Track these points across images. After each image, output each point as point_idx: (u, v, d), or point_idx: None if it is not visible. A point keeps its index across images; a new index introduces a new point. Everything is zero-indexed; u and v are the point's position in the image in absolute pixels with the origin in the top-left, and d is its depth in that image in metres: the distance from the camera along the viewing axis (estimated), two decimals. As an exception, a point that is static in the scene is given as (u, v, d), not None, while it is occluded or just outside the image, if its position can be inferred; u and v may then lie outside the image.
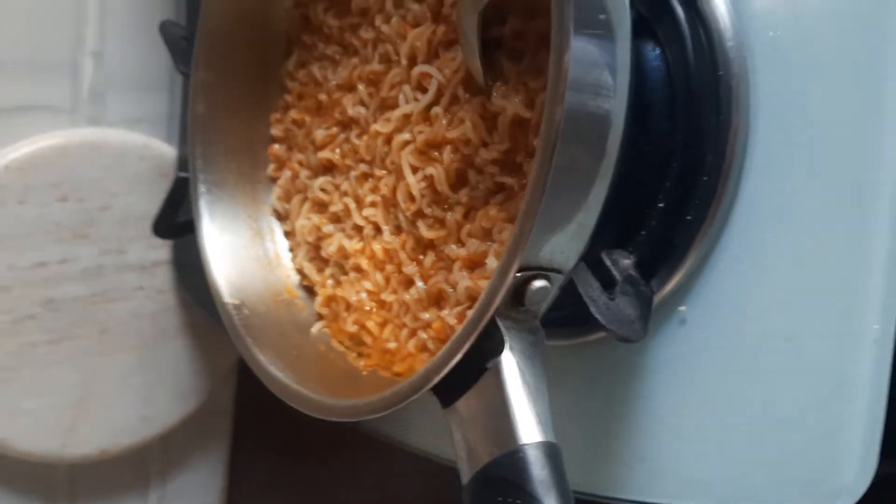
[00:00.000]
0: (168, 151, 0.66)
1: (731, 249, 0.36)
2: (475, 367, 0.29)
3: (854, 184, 0.33)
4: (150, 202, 0.58)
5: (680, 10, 0.37)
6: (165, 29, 0.55)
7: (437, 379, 0.30)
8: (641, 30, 0.38)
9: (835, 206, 0.33)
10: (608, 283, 0.37)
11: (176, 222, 0.52)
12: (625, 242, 0.39)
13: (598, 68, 0.28)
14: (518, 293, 0.29)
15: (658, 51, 0.38)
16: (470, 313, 0.29)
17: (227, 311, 0.40)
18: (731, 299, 0.36)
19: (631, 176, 0.38)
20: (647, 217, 0.38)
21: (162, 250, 0.64)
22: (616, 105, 0.29)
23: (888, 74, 0.32)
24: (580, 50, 0.27)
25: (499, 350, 0.29)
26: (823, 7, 0.33)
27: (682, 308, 0.37)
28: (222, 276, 0.42)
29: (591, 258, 0.37)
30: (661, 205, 0.37)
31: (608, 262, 0.37)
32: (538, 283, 0.29)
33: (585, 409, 0.41)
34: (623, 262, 0.38)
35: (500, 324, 0.29)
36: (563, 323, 0.40)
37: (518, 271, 0.28)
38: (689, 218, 0.37)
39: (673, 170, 0.37)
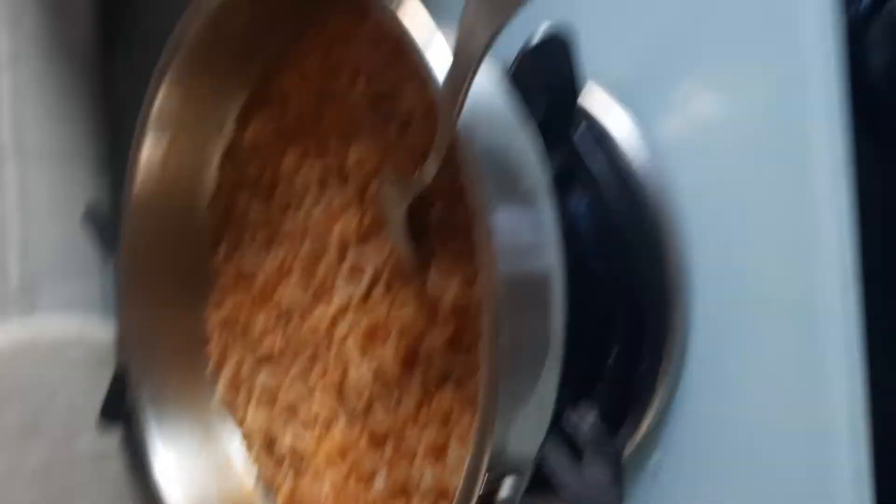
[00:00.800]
0: (105, 334, 0.64)
1: (692, 391, 0.35)
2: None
3: (802, 315, 0.33)
4: (94, 390, 0.55)
5: (599, 160, 0.37)
6: (89, 217, 0.54)
7: None
8: (566, 182, 0.39)
9: (786, 338, 0.33)
10: (575, 444, 0.36)
11: (123, 412, 0.50)
12: (586, 395, 0.38)
13: (527, 234, 0.28)
14: (487, 496, 0.28)
15: (585, 201, 0.38)
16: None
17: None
18: (700, 443, 0.35)
19: (581, 328, 0.38)
20: (604, 366, 0.37)
21: (111, 439, 0.61)
22: (552, 262, 0.29)
23: (810, 200, 0.33)
24: (505, 223, 0.27)
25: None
26: (737, 145, 0.34)
27: (653, 458, 0.36)
28: (174, 492, 0.39)
29: (554, 419, 0.36)
30: (615, 352, 0.37)
31: (571, 422, 0.37)
32: (507, 482, 0.28)
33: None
34: (587, 419, 0.37)
35: (473, 532, 0.27)
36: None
37: (486, 472, 0.27)
38: (644, 365, 0.36)
39: (619, 316, 0.37)
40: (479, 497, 0.27)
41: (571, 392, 0.38)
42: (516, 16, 0.24)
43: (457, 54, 0.25)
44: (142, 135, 0.40)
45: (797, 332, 0.32)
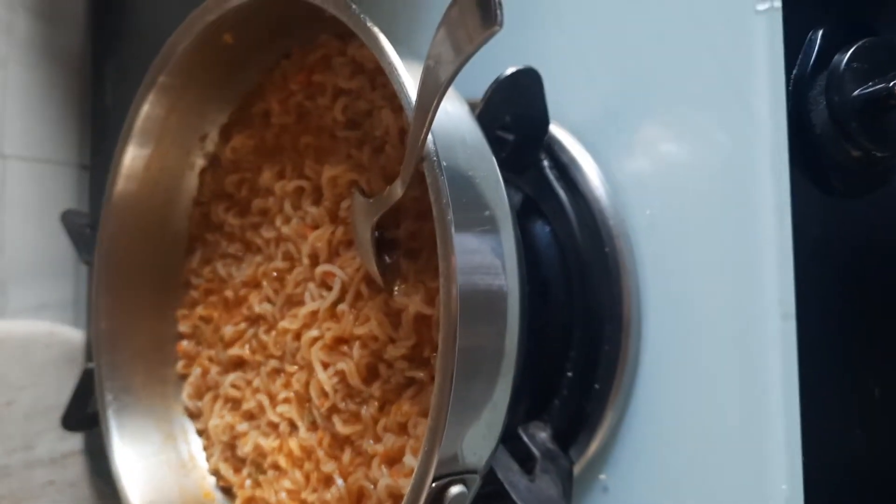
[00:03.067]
0: (75, 336, 0.64)
1: (641, 414, 0.37)
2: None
3: (744, 345, 0.34)
4: (59, 391, 0.56)
5: (562, 192, 0.39)
6: (67, 219, 0.55)
7: None
8: (530, 209, 0.41)
9: (730, 368, 0.35)
10: (524, 457, 0.37)
11: (87, 414, 0.51)
12: (539, 413, 0.39)
13: (487, 253, 0.29)
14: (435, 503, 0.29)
15: (547, 228, 0.40)
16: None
17: (141, 529, 0.39)
18: (648, 464, 0.37)
19: (538, 349, 0.39)
20: (558, 387, 0.39)
21: (73, 440, 0.62)
22: (510, 282, 0.30)
23: (758, 246, 0.35)
24: (466, 242, 0.28)
25: (422, 562, 0.29)
26: (690, 185, 0.36)
27: (602, 476, 0.38)
28: (135, 490, 0.40)
29: (507, 434, 0.38)
30: (569, 374, 0.39)
31: (525, 438, 0.38)
32: (455, 490, 0.29)
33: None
34: (540, 436, 0.39)
35: (421, 536, 0.29)
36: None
37: (433, 480, 0.28)
38: (596, 386, 0.38)
39: (576, 340, 0.39)
40: (428, 501, 0.29)
41: (527, 410, 0.39)
42: (481, 47, 0.25)
43: (424, 82, 0.27)
44: (126, 141, 0.41)
45: (740, 359, 0.34)
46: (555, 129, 0.40)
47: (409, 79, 0.29)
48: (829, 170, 0.35)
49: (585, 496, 0.38)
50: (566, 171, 0.39)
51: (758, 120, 0.34)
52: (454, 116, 0.32)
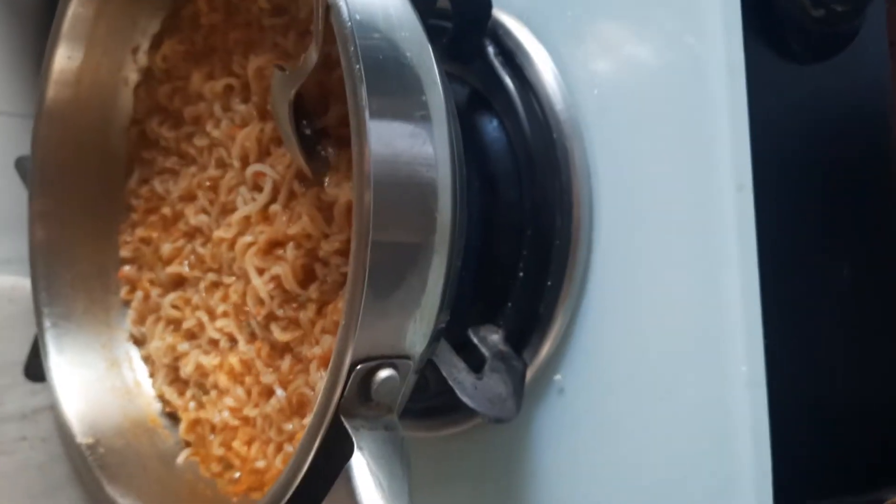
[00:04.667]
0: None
1: (595, 310, 0.35)
2: (328, 474, 0.27)
3: (700, 225, 0.32)
4: (23, 346, 0.54)
5: (509, 81, 0.37)
6: (22, 165, 0.53)
7: (289, 493, 0.27)
8: (478, 104, 0.38)
9: (685, 252, 0.32)
10: (478, 363, 0.35)
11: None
12: (492, 317, 0.37)
13: (411, 142, 0.27)
14: (363, 387, 0.27)
15: (496, 122, 0.38)
16: (309, 417, 0.27)
17: (79, 453, 0.37)
18: (603, 362, 0.35)
19: (488, 248, 0.37)
20: (510, 288, 0.37)
21: (42, 395, 0.60)
22: (440, 174, 0.28)
23: (711, 116, 0.32)
24: (384, 126, 0.26)
25: (349, 453, 0.27)
26: (641, 56, 0.34)
27: (557, 377, 0.36)
28: (74, 413, 0.39)
29: (457, 338, 0.36)
30: (521, 274, 0.37)
31: (475, 340, 0.36)
32: (384, 374, 0.27)
33: (483, 492, 0.39)
34: (492, 338, 0.36)
35: (347, 424, 0.27)
36: (436, 412, 0.38)
37: (356, 363, 0.26)
38: (549, 284, 0.36)
39: (527, 238, 0.36)
40: (355, 386, 0.27)
41: (480, 314, 0.37)
42: None
43: None
44: (54, 44, 0.39)
45: (695, 239, 0.32)
46: (499, 14, 0.37)
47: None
48: (787, 32, 0.32)
49: (541, 399, 0.36)
50: (512, 57, 0.37)
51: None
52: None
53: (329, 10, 0.26)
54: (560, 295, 0.35)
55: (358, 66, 0.26)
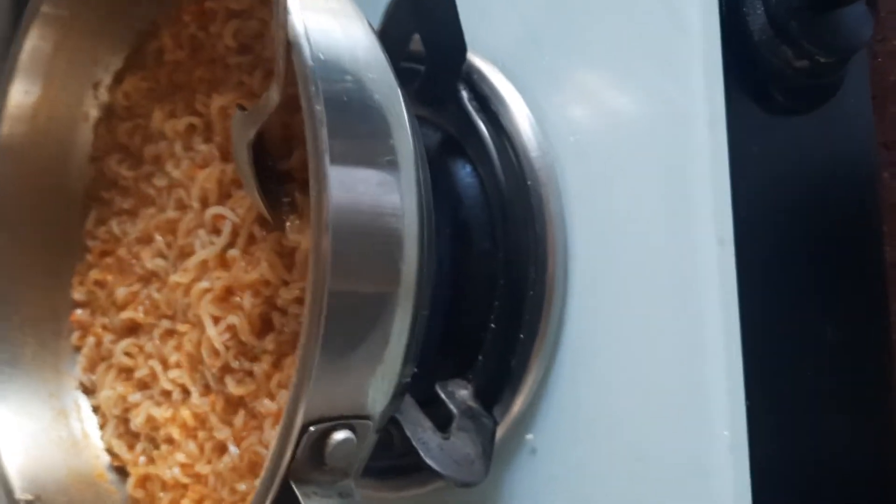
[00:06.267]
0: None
1: (570, 365, 0.33)
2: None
3: (680, 280, 0.31)
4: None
5: (483, 127, 0.35)
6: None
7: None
8: (452, 149, 0.37)
9: (664, 308, 0.31)
10: (445, 419, 0.33)
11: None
12: (462, 370, 0.35)
13: (376, 189, 0.26)
14: (316, 450, 0.25)
15: (469, 168, 0.36)
16: (257, 481, 0.25)
17: (17, 511, 0.34)
18: (579, 421, 0.33)
19: (459, 298, 0.36)
20: (481, 341, 0.35)
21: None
22: (406, 223, 0.26)
23: (692, 168, 0.31)
24: (345, 174, 0.25)
25: (299, 522, 0.24)
26: (619, 104, 0.33)
27: (529, 436, 0.34)
28: (14, 467, 0.36)
29: (423, 393, 0.34)
30: (493, 326, 0.35)
31: (443, 396, 0.34)
32: (339, 436, 0.25)
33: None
34: (460, 393, 0.35)
35: (298, 490, 0.25)
36: (401, 471, 0.36)
37: (308, 424, 0.24)
38: (522, 336, 0.34)
39: (500, 288, 0.35)
40: (307, 449, 0.25)
41: (450, 367, 0.35)
42: None
43: None
44: (11, 77, 0.38)
45: (675, 294, 0.30)
46: (473, 58, 0.36)
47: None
48: (770, 83, 0.31)
49: (512, 458, 0.34)
50: (487, 102, 0.36)
51: (688, 28, 0.31)
52: (346, 28, 0.28)
53: (290, 48, 0.25)
54: (533, 348, 0.34)
55: (319, 108, 0.25)
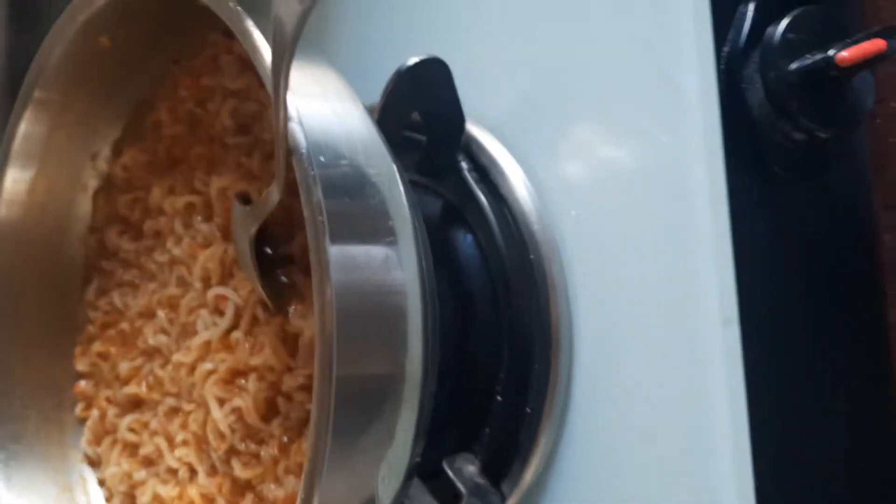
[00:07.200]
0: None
1: (578, 440, 0.33)
2: None
3: (685, 360, 0.30)
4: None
5: (483, 198, 0.35)
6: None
7: None
8: (452, 218, 0.37)
9: (670, 385, 0.31)
10: (452, 497, 0.33)
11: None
12: (469, 444, 0.35)
13: (376, 270, 0.26)
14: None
15: (470, 237, 0.36)
16: None
17: None
18: (588, 495, 0.33)
19: (464, 370, 0.35)
20: (487, 413, 0.35)
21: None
22: (409, 301, 0.26)
23: (694, 247, 0.31)
24: (347, 254, 0.25)
25: None
26: (620, 179, 0.32)
27: (538, 510, 0.34)
28: (20, 550, 0.36)
29: (430, 469, 0.34)
30: (499, 398, 0.35)
31: (451, 473, 0.34)
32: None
33: None
34: (468, 469, 0.34)
35: None
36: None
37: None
38: (528, 410, 0.34)
39: (504, 360, 0.35)
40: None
41: (455, 440, 0.35)
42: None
43: (273, 45, 0.24)
44: (4, 164, 0.37)
45: (680, 372, 0.30)
46: (472, 129, 0.36)
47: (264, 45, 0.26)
48: (769, 155, 0.31)
49: (522, 533, 0.34)
50: (486, 173, 0.36)
51: (687, 104, 0.31)
52: (340, 112, 0.28)
53: (290, 154, 0.25)
54: (541, 421, 0.34)
55: (317, 198, 0.25)
